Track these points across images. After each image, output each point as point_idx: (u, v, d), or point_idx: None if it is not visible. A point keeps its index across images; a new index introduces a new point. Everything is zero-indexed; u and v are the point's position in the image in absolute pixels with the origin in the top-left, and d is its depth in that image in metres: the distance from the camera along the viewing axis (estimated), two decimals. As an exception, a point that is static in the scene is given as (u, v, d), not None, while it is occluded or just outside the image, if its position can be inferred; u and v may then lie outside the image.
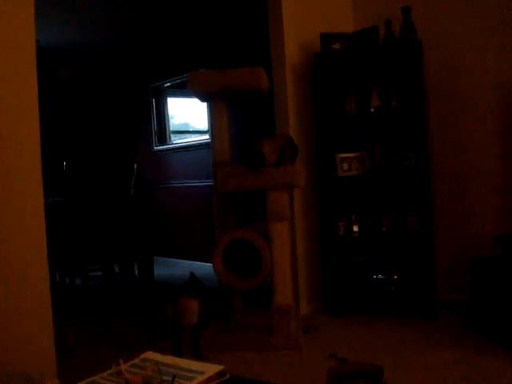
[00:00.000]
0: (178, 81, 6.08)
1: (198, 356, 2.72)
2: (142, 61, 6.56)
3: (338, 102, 3.66)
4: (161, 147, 6.48)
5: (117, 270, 4.86)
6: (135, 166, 5.06)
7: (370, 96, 3.59)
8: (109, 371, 1.29)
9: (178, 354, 2.64)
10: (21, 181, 2.42)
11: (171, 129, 6.55)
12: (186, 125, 6.66)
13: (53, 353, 2.48)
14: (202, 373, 1.26)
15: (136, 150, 6.73)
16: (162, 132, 6.53)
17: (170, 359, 1.36)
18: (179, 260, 6.18)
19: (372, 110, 3.58)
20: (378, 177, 3.64)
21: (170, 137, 6.53)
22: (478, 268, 3.05)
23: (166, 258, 6.26)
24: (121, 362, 1.27)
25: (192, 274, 2.79)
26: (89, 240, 4.50)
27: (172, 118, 6.58)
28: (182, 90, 6.22)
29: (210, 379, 1.25)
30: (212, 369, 1.28)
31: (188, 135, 6.45)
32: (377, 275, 3.62)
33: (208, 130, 5.70)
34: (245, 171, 3.00)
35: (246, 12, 5.11)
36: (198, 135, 6.18)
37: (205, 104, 5.36)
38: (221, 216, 3.30)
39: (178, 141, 6.44)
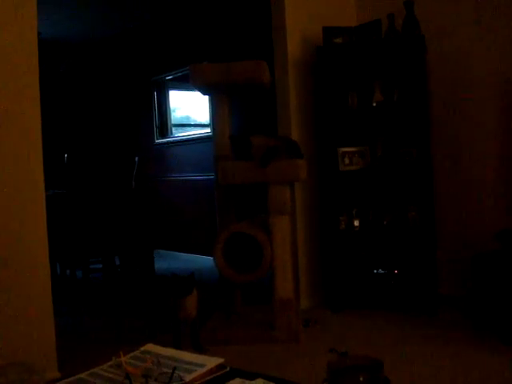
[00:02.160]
0: (180, 74, 6.07)
1: (199, 349, 2.72)
2: (144, 54, 6.55)
3: (340, 95, 3.65)
4: (162, 140, 6.47)
5: (117, 262, 4.87)
6: (136, 159, 5.05)
7: (373, 90, 3.58)
8: (109, 363, 1.29)
9: (177, 346, 2.65)
10: (22, 173, 2.42)
11: (172, 122, 6.54)
12: (188, 118, 6.65)
13: (53, 345, 2.49)
14: (202, 365, 1.26)
15: (137, 143, 6.73)
16: (164, 125, 6.52)
17: (170, 352, 1.36)
18: (180, 253, 6.19)
19: (374, 104, 3.57)
20: (379, 171, 3.64)
21: (171, 130, 6.52)
22: (478, 264, 3.04)
23: (166, 251, 6.27)
24: (121, 354, 1.27)
25: (191, 274, 2.77)
26: (90, 233, 4.51)
27: (173, 111, 6.57)
28: (183, 83, 6.20)
29: (210, 372, 1.25)
30: (212, 361, 1.28)
31: (189, 128, 6.44)
32: (377, 270, 3.62)
33: (209, 124, 5.70)
34: (246, 165, 3.00)
35: (248, 5, 5.10)
36: (199, 128, 6.17)
37: (206, 97, 5.35)
38: (222, 209, 3.30)
39: (180, 134, 6.43)
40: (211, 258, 3.09)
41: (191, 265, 5.58)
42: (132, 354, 1.35)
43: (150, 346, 1.40)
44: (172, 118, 6.55)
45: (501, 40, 3.37)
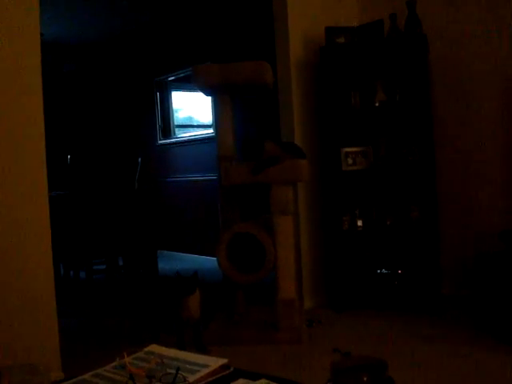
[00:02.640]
0: (183, 75, 6.08)
1: (202, 350, 2.72)
2: (147, 55, 6.56)
3: (343, 95, 3.64)
4: (165, 141, 6.48)
5: (121, 263, 4.87)
6: (139, 159, 5.06)
7: (375, 90, 3.57)
8: (113, 364, 1.29)
9: (182, 347, 2.65)
10: (25, 174, 2.43)
11: (175, 123, 6.55)
12: (190, 119, 6.66)
13: (57, 346, 2.49)
14: (206, 366, 1.26)
15: (140, 144, 6.73)
16: (166, 126, 6.53)
17: (173, 352, 1.36)
18: (183, 254, 6.19)
19: (377, 104, 3.56)
20: (382, 171, 3.64)
21: (174, 131, 6.53)
22: (482, 263, 3.04)
23: (170, 252, 6.27)
24: (125, 354, 1.27)
25: (194, 273, 2.77)
26: (93, 234, 4.52)
27: (176, 112, 6.58)
28: (186, 84, 6.21)
29: (213, 372, 1.25)
30: (216, 362, 1.28)
31: (192, 129, 6.45)
32: (381, 270, 3.62)
33: (212, 124, 5.70)
34: (249, 165, 3.00)
35: (250, 5, 5.10)
36: (202, 129, 6.18)
37: (209, 98, 5.35)
38: (225, 210, 3.29)
39: (182, 135, 6.44)
40: (214, 259, 3.09)
41: (194, 265, 5.59)
42: (136, 355, 1.35)
43: (153, 347, 1.40)
44: (175, 118, 6.56)
45: (503, 38, 3.37)
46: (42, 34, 2.54)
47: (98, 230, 4.53)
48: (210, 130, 5.76)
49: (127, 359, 1.25)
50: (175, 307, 2.77)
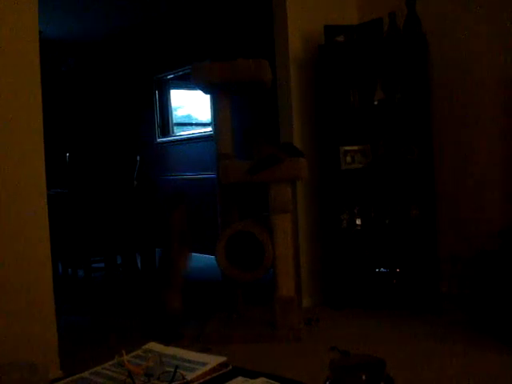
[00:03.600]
0: (182, 73, 6.07)
1: (177, 338, 2.75)
2: (146, 52, 6.55)
3: (342, 94, 3.64)
4: (164, 139, 6.47)
5: (119, 261, 4.87)
6: (138, 157, 5.05)
7: (374, 89, 3.57)
8: (111, 362, 1.28)
9: (172, 340, 2.61)
10: (24, 173, 2.42)
11: (174, 121, 6.54)
12: (189, 117, 6.65)
13: (55, 344, 2.49)
14: (205, 364, 1.26)
15: (139, 142, 6.72)
16: (165, 124, 6.53)
17: (172, 350, 1.36)
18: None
19: (376, 102, 3.56)
20: (381, 170, 3.63)
21: (172, 129, 6.53)
22: (481, 262, 3.04)
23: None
24: (123, 352, 1.26)
25: (180, 192, 2.94)
26: (91, 231, 4.51)
27: (175, 110, 6.57)
28: (185, 82, 6.21)
29: (212, 370, 1.24)
30: (214, 360, 1.28)
31: (191, 127, 6.44)
32: (379, 268, 3.62)
33: (211, 122, 5.70)
34: (247, 164, 3.00)
35: (250, 3, 5.09)
36: (201, 127, 6.18)
37: (208, 96, 5.34)
38: (224, 208, 3.29)
39: (181, 133, 6.43)
40: (213, 257, 3.09)
41: (194, 264, 5.58)
42: (134, 353, 1.34)
43: (152, 345, 1.40)
44: (173, 116, 6.55)
45: (503, 37, 3.36)
46: (40, 32, 2.53)
47: (96, 228, 4.53)
48: (209, 128, 5.75)
49: (126, 357, 1.25)
50: (165, 220, 2.98)
